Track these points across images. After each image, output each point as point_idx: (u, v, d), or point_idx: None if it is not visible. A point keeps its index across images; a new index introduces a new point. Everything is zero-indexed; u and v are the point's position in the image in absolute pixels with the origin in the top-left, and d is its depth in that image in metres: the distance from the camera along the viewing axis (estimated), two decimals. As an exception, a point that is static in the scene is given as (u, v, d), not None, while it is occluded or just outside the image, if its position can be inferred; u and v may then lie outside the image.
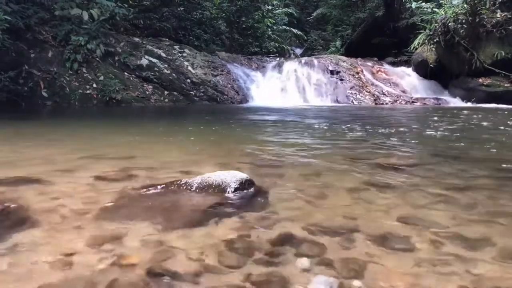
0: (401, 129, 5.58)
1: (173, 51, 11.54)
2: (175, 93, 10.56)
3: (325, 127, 5.57)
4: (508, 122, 6.23)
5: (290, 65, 12.66)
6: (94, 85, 9.60)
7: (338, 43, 20.10)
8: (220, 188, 2.01)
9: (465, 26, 11.18)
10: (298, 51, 22.42)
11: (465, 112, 8.27)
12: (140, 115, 8.17)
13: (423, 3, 12.78)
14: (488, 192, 2.17)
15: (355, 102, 11.48)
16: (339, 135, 4.74)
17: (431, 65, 12.18)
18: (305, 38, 22.86)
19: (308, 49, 22.13)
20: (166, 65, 10.89)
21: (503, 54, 10.79)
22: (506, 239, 1.55)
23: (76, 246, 1.43)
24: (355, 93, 11.85)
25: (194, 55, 11.80)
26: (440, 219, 1.73)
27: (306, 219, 1.71)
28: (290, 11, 21.37)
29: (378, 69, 13.40)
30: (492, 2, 11.22)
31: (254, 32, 17.19)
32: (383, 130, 5.19)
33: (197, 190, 2.01)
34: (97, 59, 9.92)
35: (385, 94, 11.97)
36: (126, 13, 11.29)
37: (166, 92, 10.49)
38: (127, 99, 9.68)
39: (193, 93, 10.80)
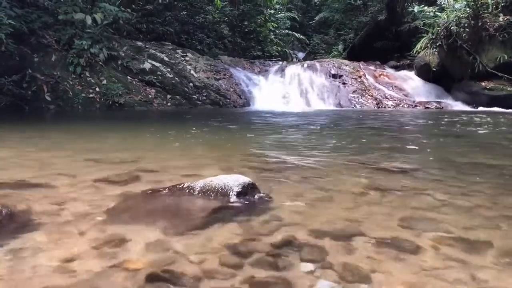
0: (403, 133, 5.57)
1: (176, 55, 11.58)
2: (177, 97, 10.58)
3: (328, 131, 5.56)
4: (510, 127, 6.21)
5: (292, 69, 12.67)
6: (97, 89, 9.64)
7: (340, 47, 20.12)
8: (222, 192, 2.00)
9: (467, 29, 11.17)
10: (301, 55, 22.46)
11: (468, 116, 8.25)
12: (143, 119, 8.19)
13: (426, 7, 12.80)
14: (491, 197, 2.16)
15: (358, 106, 11.47)
16: (342, 138, 4.73)
17: (434, 69, 12.18)
18: (308, 42, 22.92)
19: (311, 53, 22.17)
20: (169, 69, 10.92)
21: (506, 57, 10.77)
22: (508, 243, 1.54)
23: (79, 250, 1.43)
24: (357, 96, 11.85)
25: (197, 59, 11.83)
26: (443, 224, 1.72)
27: (309, 223, 1.71)
28: (293, 15, 21.44)
29: (380, 73, 13.40)
30: (494, 6, 11.22)
31: (256, 36, 17.24)
32: (385, 134, 5.18)
33: (200, 194, 2.01)
34: (100, 63, 9.96)
35: (387, 98, 11.96)
36: (129, 17, 11.35)
37: (168, 96, 10.51)
38: (130, 103, 9.71)
39: (196, 97, 10.82)
